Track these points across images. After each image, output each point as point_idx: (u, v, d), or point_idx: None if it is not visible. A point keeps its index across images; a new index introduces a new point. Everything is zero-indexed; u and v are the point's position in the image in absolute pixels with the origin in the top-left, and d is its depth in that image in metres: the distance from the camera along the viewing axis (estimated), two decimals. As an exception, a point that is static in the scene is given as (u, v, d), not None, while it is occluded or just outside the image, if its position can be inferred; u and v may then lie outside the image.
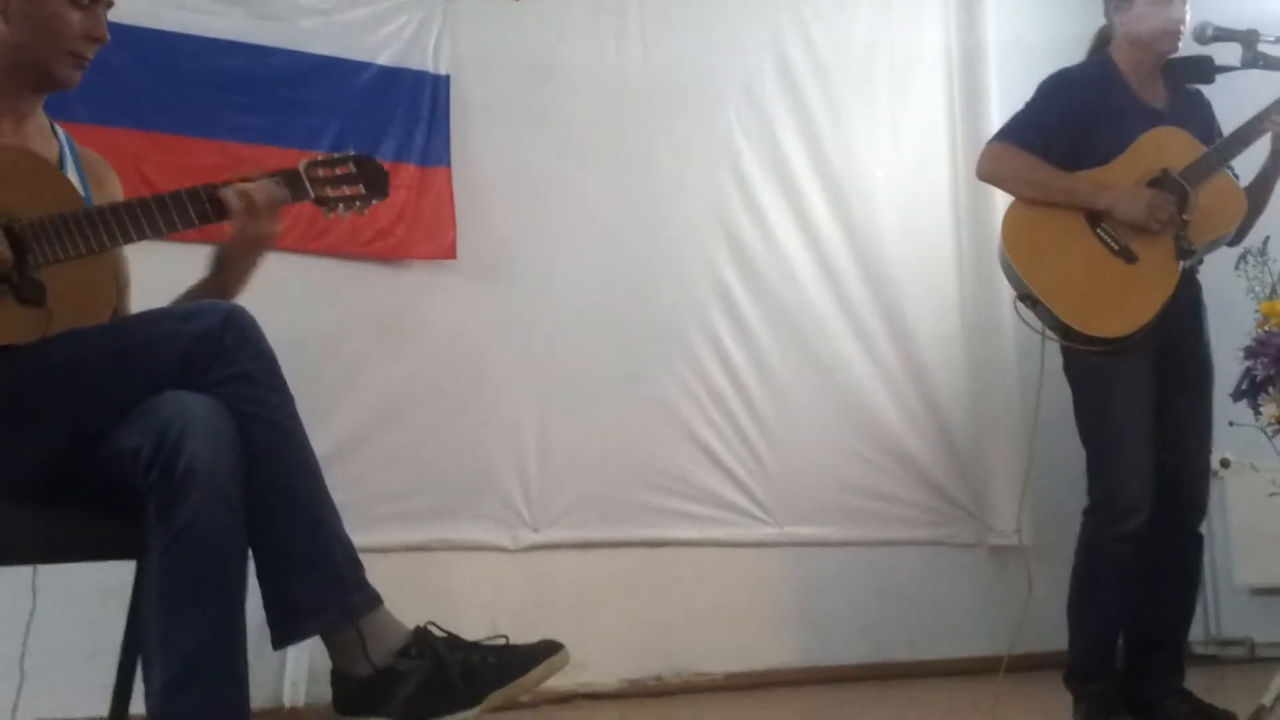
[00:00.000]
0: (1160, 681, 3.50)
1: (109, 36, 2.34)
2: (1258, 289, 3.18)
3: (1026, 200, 3.53)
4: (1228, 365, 3.50)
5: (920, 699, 4.52)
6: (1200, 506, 3.53)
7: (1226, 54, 3.53)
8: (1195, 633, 4.92)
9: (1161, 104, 3.58)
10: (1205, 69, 3.58)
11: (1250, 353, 3.10)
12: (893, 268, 5.20)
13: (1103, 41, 3.70)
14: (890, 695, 4.60)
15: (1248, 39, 3.50)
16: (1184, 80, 3.63)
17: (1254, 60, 3.50)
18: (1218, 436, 3.50)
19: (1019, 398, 5.13)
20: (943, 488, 5.17)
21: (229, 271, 2.38)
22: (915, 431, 5.16)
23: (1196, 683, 3.60)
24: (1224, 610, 5.19)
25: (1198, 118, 3.61)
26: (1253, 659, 5.11)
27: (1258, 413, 3.11)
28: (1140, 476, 3.36)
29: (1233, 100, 3.61)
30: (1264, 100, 3.46)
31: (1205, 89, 3.67)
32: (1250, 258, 3.21)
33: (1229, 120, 3.56)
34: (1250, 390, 3.10)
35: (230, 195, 2.28)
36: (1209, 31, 3.52)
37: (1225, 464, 3.07)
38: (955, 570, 5.13)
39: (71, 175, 2.38)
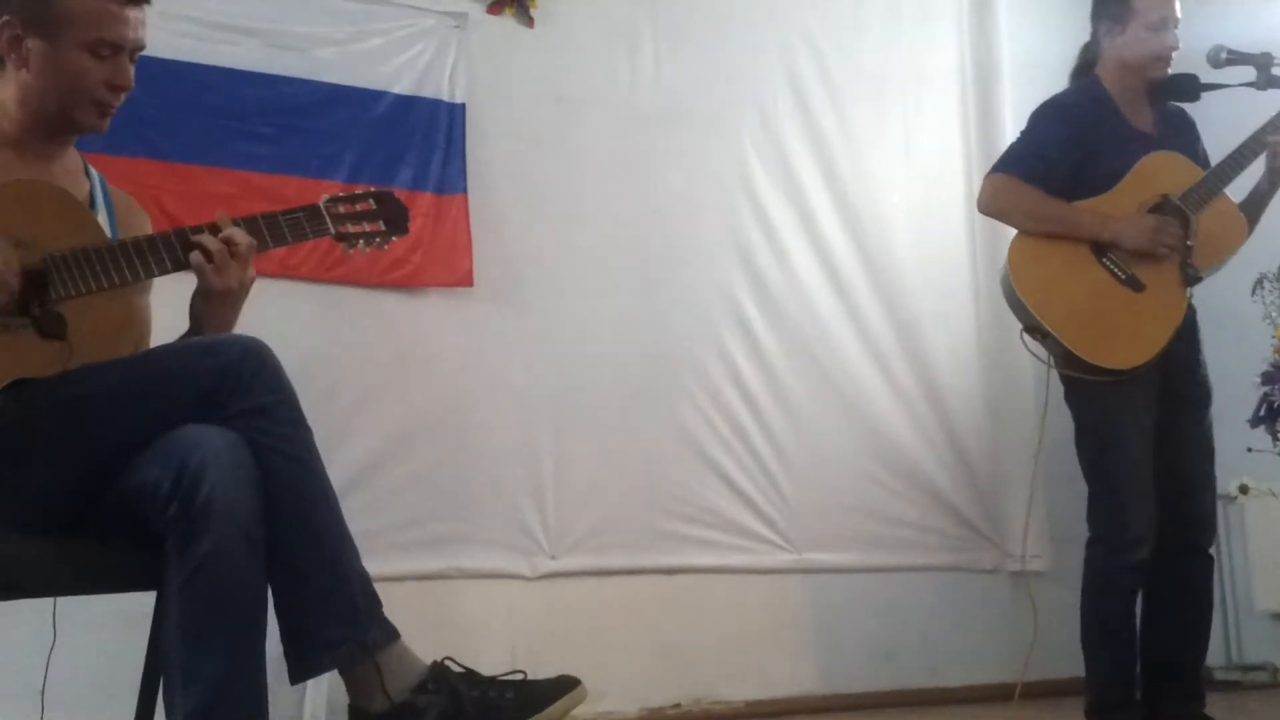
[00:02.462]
0: (1181, 708, 3.47)
1: (134, 84, 2.35)
2: (1274, 314, 3.17)
3: (1029, 233, 3.52)
4: (1245, 391, 3.49)
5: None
6: (1209, 527, 3.52)
7: (1241, 78, 3.54)
8: (1216, 658, 4.90)
9: (1149, 126, 3.58)
10: (1191, 87, 3.57)
11: (1268, 378, 3.09)
12: (908, 290, 5.19)
13: (1087, 62, 3.69)
14: (911, 722, 4.59)
15: (1262, 62, 3.50)
16: (1169, 99, 3.62)
17: (1267, 83, 3.51)
18: (1237, 463, 3.50)
19: (1037, 422, 5.10)
20: (962, 513, 5.15)
21: (205, 319, 2.34)
22: (933, 456, 5.14)
23: (1218, 709, 3.58)
24: (1245, 636, 5.16)
25: (1183, 138, 3.61)
26: (1274, 684, 5.07)
27: (1276, 438, 3.10)
28: (1146, 508, 3.36)
29: (1208, 118, 3.62)
30: (1257, 117, 3.46)
31: (1193, 106, 3.67)
32: (1267, 283, 3.21)
33: (1221, 136, 3.56)
34: (1269, 416, 3.09)
35: (194, 252, 2.25)
36: (1223, 56, 3.52)
37: (1244, 490, 3.06)
38: (975, 596, 5.10)
39: (101, 215, 2.39)
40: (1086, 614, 3.49)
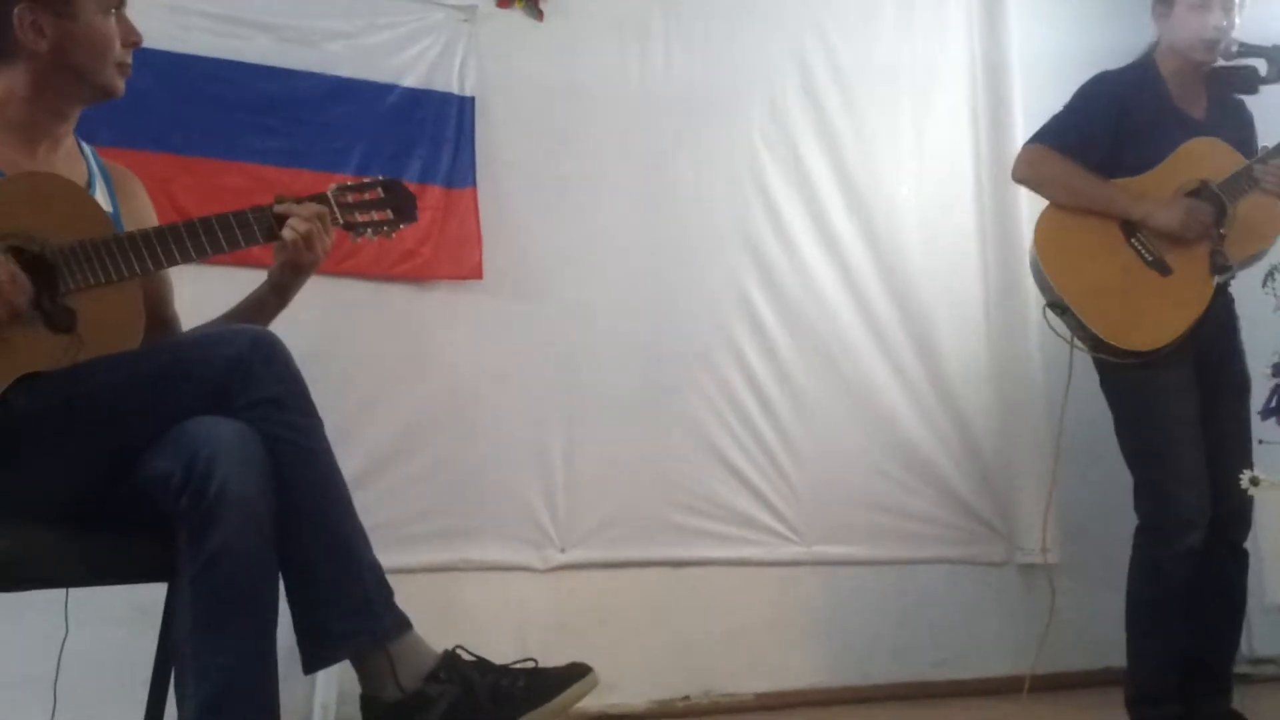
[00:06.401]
0: (1210, 703, 3.43)
1: (143, 39, 2.37)
2: (1286, 306, 3.16)
3: (1061, 206, 3.50)
4: (1257, 382, 3.48)
5: (949, 719, 4.51)
6: (1244, 521, 3.48)
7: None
8: (1227, 652, 4.89)
9: (1201, 114, 3.55)
10: (1249, 80, 3.55)
11: (1278, 370, 3.08)
12: (917, 283, 5.18)
13: (1150, 49, 3.68)
14: (919, 715, 4.58)
15: (1273, 54, 3.48)
16: (1228, 90, 3.59)
17: (1278, 75, 3.48)
18: (1248, 455, 3.47)
19: (1046, 414, 5.10)
20: (970, 506, 5.14)
21: (282, 296, 2.42)
22: (943, 449, 5.13)
23: (1228, 702, 3.56)
24: (1255, 629, 5.13)
25: (1235, 129, 3.57)
26: (1285, 678, 5.08)
27: (1287, 431, 3.09)
28: (1195, 490, 3.32)
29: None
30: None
31: (1251, 100, 3.64)
32: (1278, 274, 3.19)
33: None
34: (1280, 408, 3.08)
35: (286, 231, 2.30)
36: (1234, 48, 3.49)
37: (1255, 482, 3.03)
38: (984, 589, 5.09)
39: (100, 192, 2.40)
40: (1132, 602, 3.46)
